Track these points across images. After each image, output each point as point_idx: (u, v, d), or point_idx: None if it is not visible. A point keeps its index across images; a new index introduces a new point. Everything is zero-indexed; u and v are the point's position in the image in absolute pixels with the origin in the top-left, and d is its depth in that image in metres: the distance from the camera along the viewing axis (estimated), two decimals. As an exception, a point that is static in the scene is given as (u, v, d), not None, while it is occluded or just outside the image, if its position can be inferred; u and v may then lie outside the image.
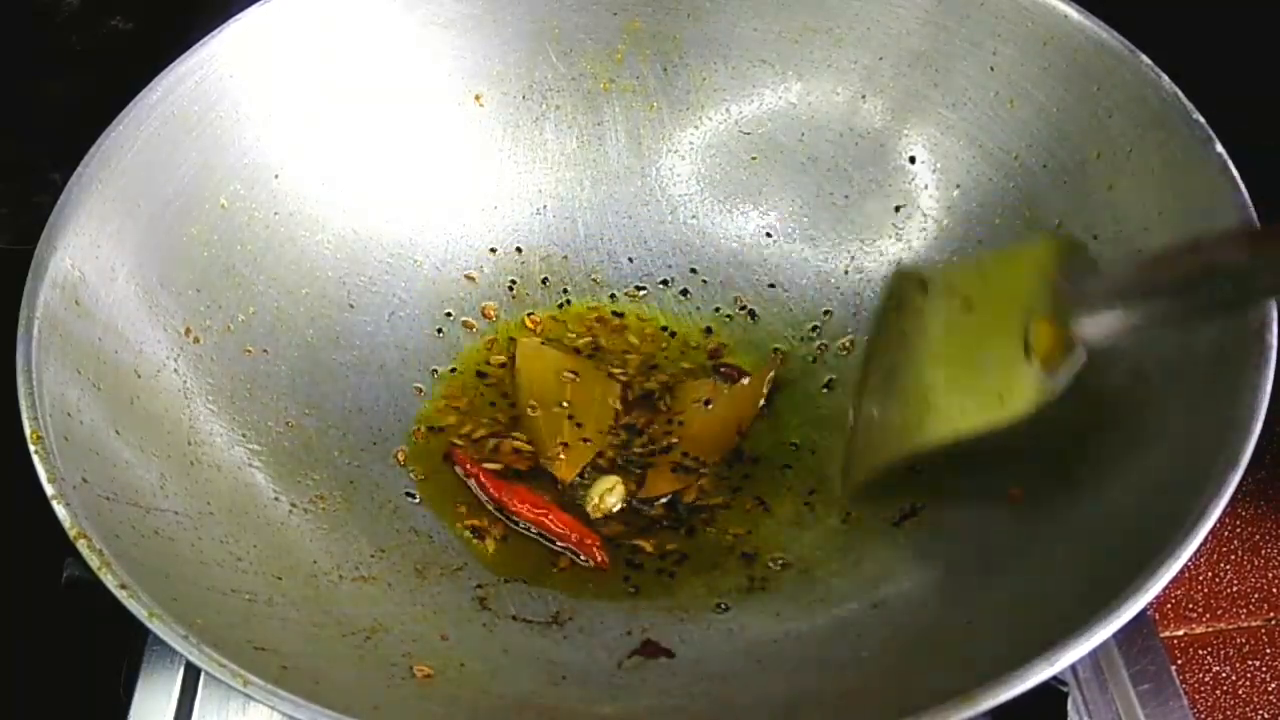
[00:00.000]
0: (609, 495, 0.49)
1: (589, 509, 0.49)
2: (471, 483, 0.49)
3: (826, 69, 0.54)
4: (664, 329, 0.55)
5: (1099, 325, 0.36)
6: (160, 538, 0.39)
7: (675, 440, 0.51)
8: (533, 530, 0.48)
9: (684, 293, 0.56)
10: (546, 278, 0.56)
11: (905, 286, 0.45)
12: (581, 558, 0.47)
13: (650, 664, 0.42)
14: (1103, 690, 0.46)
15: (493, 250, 0.56)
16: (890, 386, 0.43)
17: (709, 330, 0.55)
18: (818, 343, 0.53)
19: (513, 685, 0.41)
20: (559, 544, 0.47)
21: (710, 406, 0.51)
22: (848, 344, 0.53)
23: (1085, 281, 0.37)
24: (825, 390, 0.52)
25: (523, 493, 0.48)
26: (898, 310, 0.44)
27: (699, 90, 0.56)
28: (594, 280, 0.56)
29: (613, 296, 0.56)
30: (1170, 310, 0.36)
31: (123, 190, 0.45)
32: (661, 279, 0.56)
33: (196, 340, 0.47)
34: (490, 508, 0.48)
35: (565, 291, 0.56)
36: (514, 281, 0.56)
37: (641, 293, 0.56)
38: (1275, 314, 0.37)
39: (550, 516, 0.48)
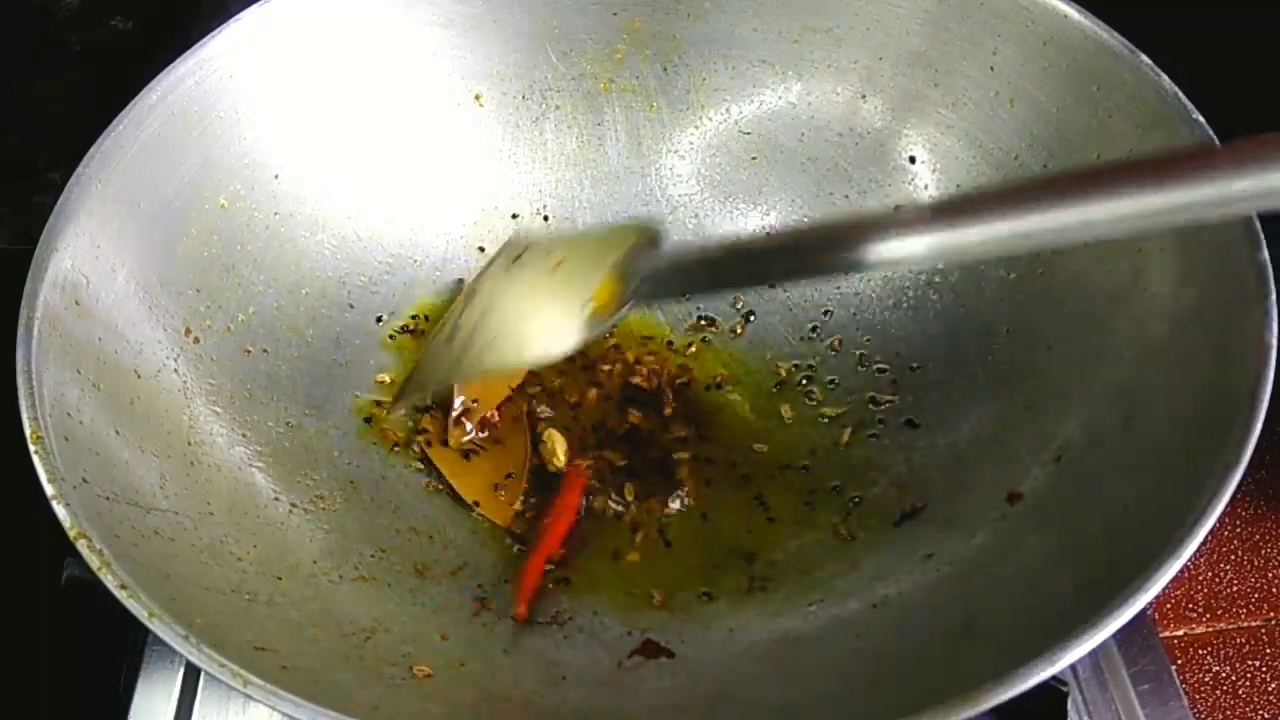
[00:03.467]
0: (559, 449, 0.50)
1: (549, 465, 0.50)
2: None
3: (827, 69, 0.54)
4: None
5: (645, 288, 0.41)
6: (160, 538, 0.39)
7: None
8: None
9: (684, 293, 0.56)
10: (546, 278, 0.56)
11: (517, 245, 0.47)
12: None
13: (650, 664, 0.42)
14: (1103, 690, 0.46)
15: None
16: (471, 322, 0.46)
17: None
18: (817, 343, 0.53)
19: (513, 685, 0.41)
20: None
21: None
22: (836, 343, 0.53)
23: (649, 253, 0.42)
24: (828, 388, 0.52)
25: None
26: (504, 261, 0.47)
27: (699, 90, 0.56)
28: (594, 280, 0.56)
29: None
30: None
31: (123, 190, 0.45)
32: (661, 279, 0.56)
33: (196, 340, 0.47)
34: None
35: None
36: (514, 281, 0.56)
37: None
38: (1275, 314, 0.37)
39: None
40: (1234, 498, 0.34)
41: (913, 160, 0.53)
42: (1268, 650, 0.53)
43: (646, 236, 0.43)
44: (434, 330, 0.51)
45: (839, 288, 0.54)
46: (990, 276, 0.50)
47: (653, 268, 0.41)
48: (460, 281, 0.55)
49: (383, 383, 0.52)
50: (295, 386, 0.49)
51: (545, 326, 0.42)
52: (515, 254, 0.46)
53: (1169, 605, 0.54)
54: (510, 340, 0.43)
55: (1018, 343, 0.48)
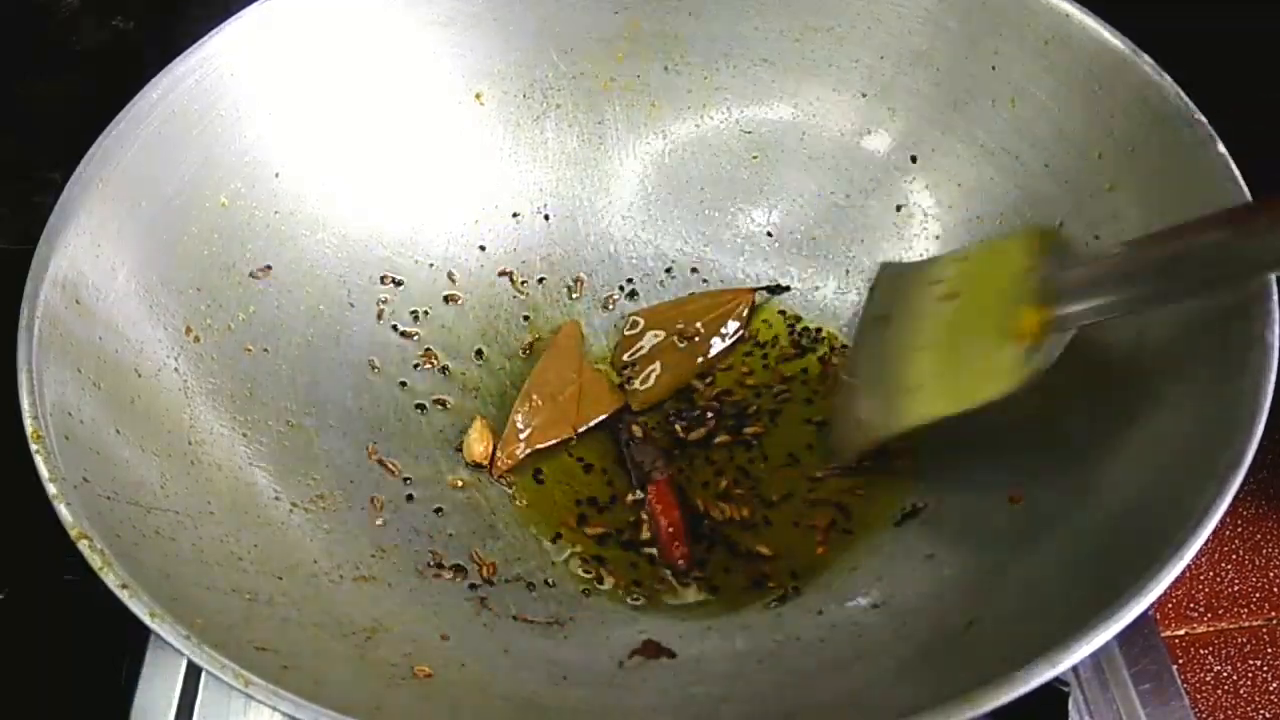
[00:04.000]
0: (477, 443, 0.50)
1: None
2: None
3: (828, 68, 0.54)
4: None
5: (1080, 308, 0.38)
6: (161, 537, 0.39)
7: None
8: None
9: (685, 292, 0.56)
10: (544, 277, 0.56)
11: (889, 277, 0.46)
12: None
13: (651, 664, 0.42)
14: (1104, 690, 0.46)
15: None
16: (876, 370, 0.44)
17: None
18: (819, 343, 0.53)
19: (513, 685, 0.41)
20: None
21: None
22: (836, 345, 0.53)
23: (1067, 267, 0.38)
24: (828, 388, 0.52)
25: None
26: (883, 298, 0.46)
27: (700, 89, 0.56)
28: (594, 279, 0.56)
29: (612, 296, 0.56)
30: (1152, 292, 0.37)
31: (123, 189, 0.45)
32: (661, 279, 0.56)
33: (197, 339, 0.47)
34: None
35: (565, 291, 0.56)
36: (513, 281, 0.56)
37: (641, 293, 0.56)
38: (1276, 314, 0.37)
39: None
40: (1235, 498, 0.34)
41: (913, 160, 0.53)
42: (1269, 650, 0.53)
43: (1047, 243, 0.38)
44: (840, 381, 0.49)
45: (840, 288, 0.54)
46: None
47: (1079, 285, 0.36)
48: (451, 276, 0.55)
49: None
50: (295, 386, 0.49)
51: (974, 371, 0.39)
52: (896, 285, 0.43)
53: (1170, 605, 0.54)
54: (938, 391, 0.41)
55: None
